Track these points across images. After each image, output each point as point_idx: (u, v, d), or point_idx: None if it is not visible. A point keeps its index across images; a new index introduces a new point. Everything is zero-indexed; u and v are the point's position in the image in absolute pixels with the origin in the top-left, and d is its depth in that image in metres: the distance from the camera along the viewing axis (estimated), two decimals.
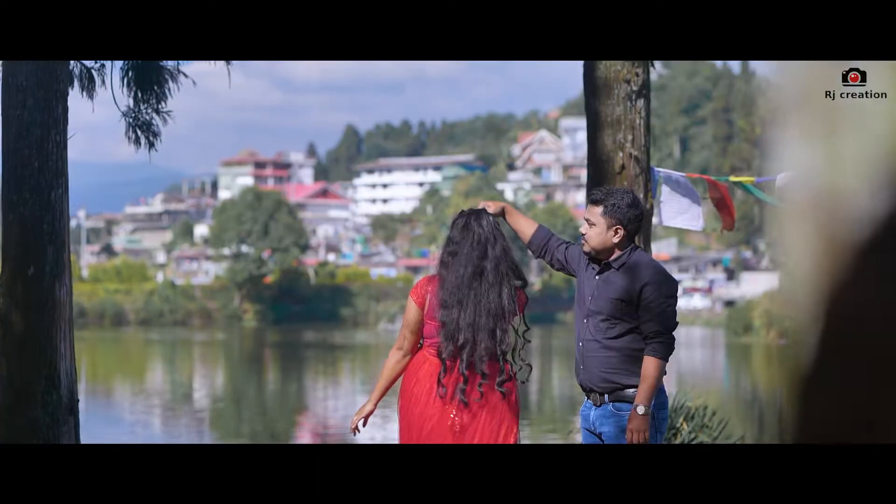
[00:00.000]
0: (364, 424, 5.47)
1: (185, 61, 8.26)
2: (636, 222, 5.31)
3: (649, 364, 5.16)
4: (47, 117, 7.35)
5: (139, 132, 8.26)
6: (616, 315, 5.20)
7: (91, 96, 8.15)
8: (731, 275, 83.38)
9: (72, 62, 7.82)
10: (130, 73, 8.18)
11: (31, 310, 7.38)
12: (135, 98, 8.25)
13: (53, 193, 7.38)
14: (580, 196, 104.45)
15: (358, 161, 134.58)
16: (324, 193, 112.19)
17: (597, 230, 5.28)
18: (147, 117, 8.26)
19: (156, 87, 8.24)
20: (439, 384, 5.25)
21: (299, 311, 75.60)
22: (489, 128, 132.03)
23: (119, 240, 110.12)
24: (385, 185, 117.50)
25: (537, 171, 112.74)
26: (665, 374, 5.29)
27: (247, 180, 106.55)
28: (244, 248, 77.14)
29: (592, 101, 7.65)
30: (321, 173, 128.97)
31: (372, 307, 76.78)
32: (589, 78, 7.65)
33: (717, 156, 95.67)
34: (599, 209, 5.28)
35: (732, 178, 8.17)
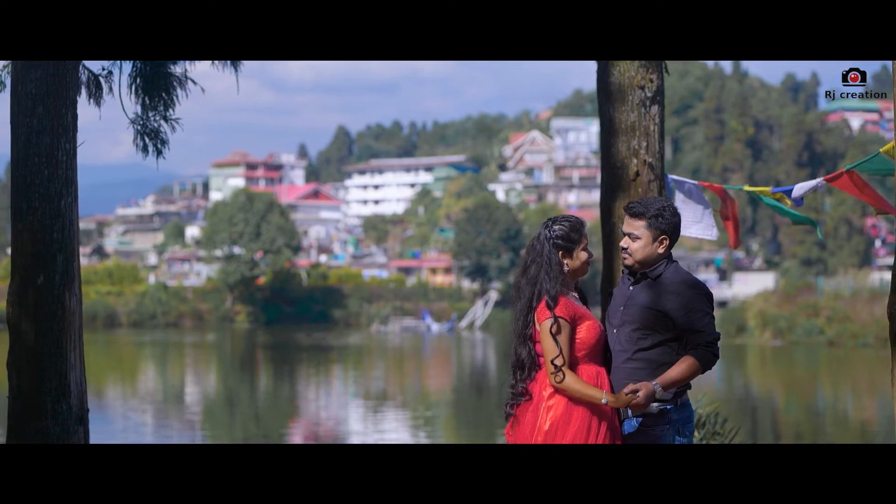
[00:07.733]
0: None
1: (179, 61, 8.13)
2: (678, 231, 5.24)
3: (686, 359, 5.06)
4: (57, 125, 7.23)
5: (147, 139, 8.16)
6: (649, 325, 5.12)
7: (98, 103, 8.05)
8: (723, 275, 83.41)
9: (80, 68, 7.72)
10: (138, 80, 8.08)
11: (40, 319, 7.26)
12: (142, 105, 8.15)
13: (63, 202, 7.27)
14: (572, 197, 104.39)
15: (349, 162, 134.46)
16: (315, 195, 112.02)
17: (641, 243, 5.19)
18: (155, 124, 8.17)
19: (164, 94, 8.14)
20: None
21: (291, 312, 75.51)
22: (480, 128, 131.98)
23: (110, 241, 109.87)
24: (376, 187, 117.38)
25: (529, 171, 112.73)
26: (690, 386, 5.21)
27: (238, 182, 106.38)
28: (236, 250, 76.97)
29: (606, 108, 7.58)
30: (312, 174, 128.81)
31: (364, 309, 76.64)
32: (603, 84, 7.57)
33: (709, 156, 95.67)
34: (642, 222, 5.19)
35: (747, 188, 8.06)
